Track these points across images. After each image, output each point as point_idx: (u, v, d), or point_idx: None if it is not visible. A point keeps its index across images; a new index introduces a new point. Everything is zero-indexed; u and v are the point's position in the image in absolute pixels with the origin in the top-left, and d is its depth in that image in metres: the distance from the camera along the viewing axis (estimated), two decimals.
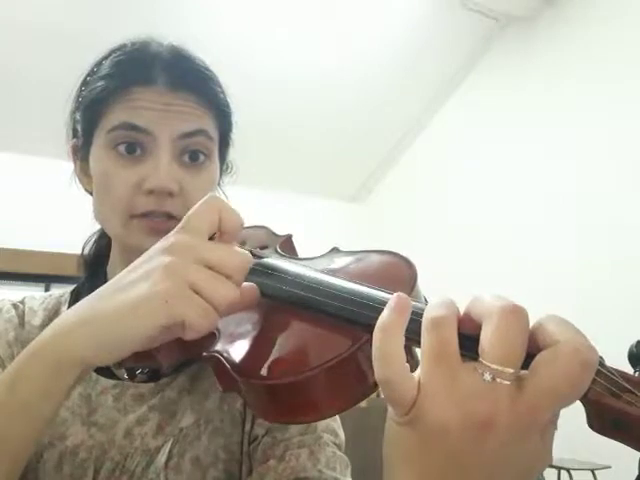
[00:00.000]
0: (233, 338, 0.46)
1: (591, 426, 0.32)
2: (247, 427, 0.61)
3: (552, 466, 3.22)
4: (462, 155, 4.67)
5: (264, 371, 0.40)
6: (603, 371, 0.31)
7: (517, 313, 0.30)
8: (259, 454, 0.58)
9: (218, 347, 0.45)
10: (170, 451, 0.57)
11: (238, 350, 0.44)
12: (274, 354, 0.42)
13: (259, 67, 3.96)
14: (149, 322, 0.39)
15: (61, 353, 0.41)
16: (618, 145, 3.57)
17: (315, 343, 0.41)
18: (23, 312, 0.67)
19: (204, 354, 0.46)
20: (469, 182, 4.55)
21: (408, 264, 0.45)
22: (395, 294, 0.34)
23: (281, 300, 0.46)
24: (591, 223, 3.61)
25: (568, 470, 3.18)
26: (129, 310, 0.40)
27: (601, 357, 0.31)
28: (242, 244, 0.58)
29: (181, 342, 0.51)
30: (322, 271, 0.48)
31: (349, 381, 0.38)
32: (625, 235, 3.42)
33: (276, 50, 4.13)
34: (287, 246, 0.63)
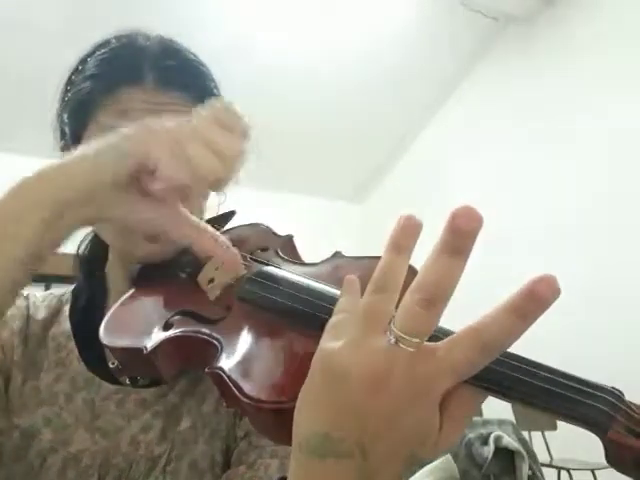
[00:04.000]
0: (237, 355, 0.44)
1: (610, 462, 0.31)
2: (235, 430, 0.60)
3: (552, 466, 3.22)
4: (462, 155, 4.67)
5: (270, 395, 0.39)
6: (623, 407, 0.30)
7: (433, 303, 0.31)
8: (234, 457, 0.57)
9: (221, 363, 0.43)
10: (169, 455, 0.57)
11: (242, 370, 0.42)
12: (281, 376, 0.41)
13: (259, 68, 3.96)
14: (120, 150, 0.40)
15: (30, 190, 0.41)
16: (618, 144, 3.56)
17: None
18: (28, 306, 0.66)
19: (206, 370, 0.44)
20: (469, 182, 4.55)
21: (412, 271, 0.44)
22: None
23: (286, 315, 0.44)
24: (592, 222, 3.61)
25: (568, 470, 3.18)
26: (106, 142, 0.41)
27: (621, 392, 0.31)
28: (241, 243, 0.56)
29: (183, 354, 0.50)
30: (328, 281, 0.46)
31: None
32: (627, 233, 3.42)
33: (276, 50, 4.13)
34: (289, 248, 0.61)
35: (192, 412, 0.60)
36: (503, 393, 0.32)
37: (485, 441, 2.32)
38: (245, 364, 0.43)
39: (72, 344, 0.63)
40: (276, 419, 0.39)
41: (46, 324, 0.65)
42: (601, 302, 3.39)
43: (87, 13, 3.63)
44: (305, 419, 0.34)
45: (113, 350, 0.53)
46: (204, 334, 0.48)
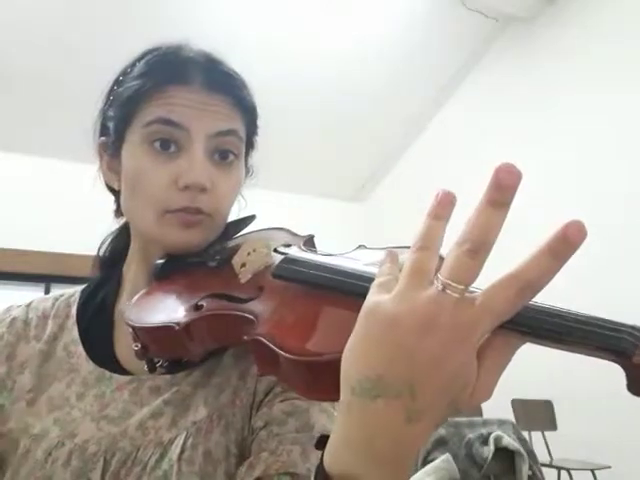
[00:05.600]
0: (273, 321, 0.48)
1: (632, 389, 0.35)
2: (252, 421, 0.61)
3: (552, 466, 3.23)
4: (462, 155, 4.68)
5: (309, 349, 0.43)
6: None
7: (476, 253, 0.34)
8: (254, 446, 0.58)
9: (259, 330, 0.47)
10: (184, 444, 0.57)
11: (280, 330, 0.46)
12: (318, 333, 0.45)
13: (258, 69, 3.96)
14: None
15: None
16: (618, 143, 3.57)
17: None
18: (25, 323, 0.68)
19: (245, 338, 0.47)
20: (468, 182, 4.54)
21: (440, 258, 0.49)
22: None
23: (315, 286, 0.48)
24: (593, 222, 3.61)
25: (568, 470, 3.18)
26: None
27: (638, 327, 0.35)
28: (268, 248, 0.61)
29: (215, 332, 0.53)
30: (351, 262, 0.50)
31: None
32: (631, 236, 3.42)
33: (275, 51, 4.13)
34: (310, 245, 0.66)
35: (208, 403, 0.61)
36: (536, 334, 0.36)
37: (485, 441, 2.32)
38: (282, 326, 0.47)
39: (81, 348, 0.66)
40: (314, 372, 0.42)
41: (55, 335, 0.67)
42: (600, 297, 3.39)
43: (86, 12, 3.64)
44: (356, 365, 0.36)
45: (139, 330, 0.56)
46: (238, 310, 0.51)
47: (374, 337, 0.36)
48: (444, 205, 0.38)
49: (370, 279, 0.42)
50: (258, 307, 0.51)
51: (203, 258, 0.63)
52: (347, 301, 0.44)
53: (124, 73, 0.67)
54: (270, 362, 0.44)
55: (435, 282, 0.35)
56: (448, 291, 0.34)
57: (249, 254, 0.60)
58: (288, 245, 0.63)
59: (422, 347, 0.34)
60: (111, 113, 0.66)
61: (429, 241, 0.37)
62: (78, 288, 0.73)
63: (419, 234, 0.37)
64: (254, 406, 0.62)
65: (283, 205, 4.67)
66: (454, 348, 0.34)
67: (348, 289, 0.45)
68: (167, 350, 0.57)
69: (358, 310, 0.42)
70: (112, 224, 0.75)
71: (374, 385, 0.35)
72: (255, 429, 0.60)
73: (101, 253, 0.75)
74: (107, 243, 0.76)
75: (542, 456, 3.17)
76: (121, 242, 0.73)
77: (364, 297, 0.41)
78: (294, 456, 0.55)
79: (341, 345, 0.39)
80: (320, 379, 0.41)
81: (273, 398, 0.60)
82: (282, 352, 0.43)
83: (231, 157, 0.64)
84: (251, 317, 0.49)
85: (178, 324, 0.52)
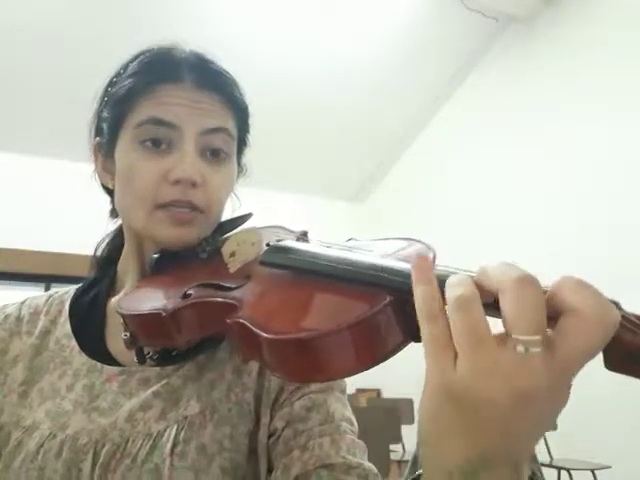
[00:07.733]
0: (256, 305, 0.48)
1: (607, 365, 0.34)
2: (264, 420, 0.61)
3: (552, 466, 3.23)
4: (461, 155, 4.68)
5: (288, 326, 0.42)
6: (621, 313, 0.34)
7: (530, 282, 0.32)
8: (281, 447, 0.59)
9: (240, 314, 0.47)
10: (175, 437, 0.57)
11: (262, 313, 0.46)
12: (298, 313, 0.45)
13: (259, 69, 3.96)
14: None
15: None
16: (616, 142, 3.57)
17: (339, 304, 0.43)
18: (17, 324, 0.69)
19: (227, 321, 0.47)
20: (468, 181, 4.55)
21: (426, 246, 0.50)
22: (412, 265, 0.37)
23: (299, 271, 0.49)
24: (593, 223, 3.62)
25: (568, 470, 3.18)
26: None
27: (617, 302, 0.34)
28: (259, 241, 0.62)
29: (201, 319, 0.54)
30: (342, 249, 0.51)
31: (373, 338, 0.40)
32: (624, 233, 3.42)
33: (276, 51, 4.13)
34: (302, 240, 0.66)
35: (201, 399, 0.61)
36: None
37: None
38: (263, 309, 0.47)
39: (74, 342, 0.66)
40: (293, 351, 0.41)
41: (47, 330, 0.68)
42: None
43: (85, 13, 3.63)
44: (452, 448, 0.35)
45: (129, 318, 0.57)
46: (223, 297, 0.52)
47: (467, 420, 0.34)
48: (425, 270, 0.36)
49: (354, 263, 0.43)
50: (243, 293, 0.51)
51: (195, 251, 0.64)
52: (330, 285, 0.44)
53: (117, 75, 0.68)
54: (251, 345, 0.44)
55: (512, 344, 0.32)
56: (531, 349, 0.31)
57: (238, 244, 0.61)
58: (280, 240, 0.64)
59: (523, 420, 0.32)
60: (105, 114, 0.67)
61: (437, 309, 0.35)
62: (74, 287, 0.74)
63: (421, 305, 0.35)
64: (263, 404, 0.62)
65: (283, 205, 4.68)
66: (552, 402, 0.33)
67: (331, 273, 0.45)
68: (155, 337, 0.57)
69: (340, 293, 0.42)
70: (112, 224, 0.75)
71: (476, 466, 0.34)
72: (277, 430, 0.60)
73: (98, 254, 0.76)
74: (104, 244, 0.77)
75: (542, 456, 3.17)
76: (117, 243, 0.74)
77: (347, 281, 0.42)
78: (326, 448, 0.57)
79: (317, 324, 0.40)
80: (299, 358, 0.41)
81: (289, 396, 0.61)
82: (261, 332, 0.43)
83: (222, 154, 0.65)
84: (235, 303, 0.50)
85: (165, 310, 0.53)
